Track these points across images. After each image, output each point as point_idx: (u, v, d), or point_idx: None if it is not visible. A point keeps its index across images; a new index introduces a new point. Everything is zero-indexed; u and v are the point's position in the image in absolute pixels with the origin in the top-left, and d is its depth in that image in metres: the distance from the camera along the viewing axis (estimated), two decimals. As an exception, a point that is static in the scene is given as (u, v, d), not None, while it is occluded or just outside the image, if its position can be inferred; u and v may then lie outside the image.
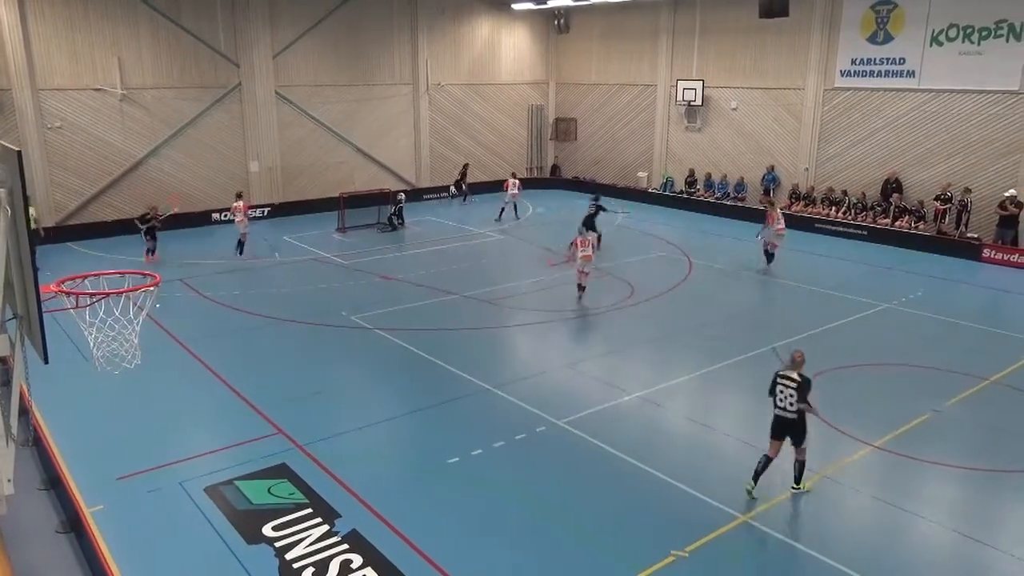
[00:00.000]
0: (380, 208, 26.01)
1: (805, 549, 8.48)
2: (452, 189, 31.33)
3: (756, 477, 9.52)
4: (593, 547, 8.57)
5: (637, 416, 11.92)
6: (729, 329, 15.83)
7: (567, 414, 11.74)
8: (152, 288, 8.09)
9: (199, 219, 25.96)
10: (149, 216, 21.19)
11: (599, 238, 21.14)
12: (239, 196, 22.37)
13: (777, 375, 9.54)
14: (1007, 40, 21.08)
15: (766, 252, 20.45)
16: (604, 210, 22.99)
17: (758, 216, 26.16)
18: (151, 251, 21.03)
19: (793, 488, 9.64)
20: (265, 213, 27.26)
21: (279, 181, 27.89)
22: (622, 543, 8.60)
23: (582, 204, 29.68)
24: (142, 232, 21.11)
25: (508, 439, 11.00)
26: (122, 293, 8.05)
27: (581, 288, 17.56)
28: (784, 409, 9.37)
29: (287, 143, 27.94)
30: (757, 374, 13.44)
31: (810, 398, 9.33)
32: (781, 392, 9.40)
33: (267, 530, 8.82)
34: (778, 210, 20.54)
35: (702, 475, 10.04)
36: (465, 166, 31.44)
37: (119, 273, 8.63)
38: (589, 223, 20.99)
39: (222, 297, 17.81)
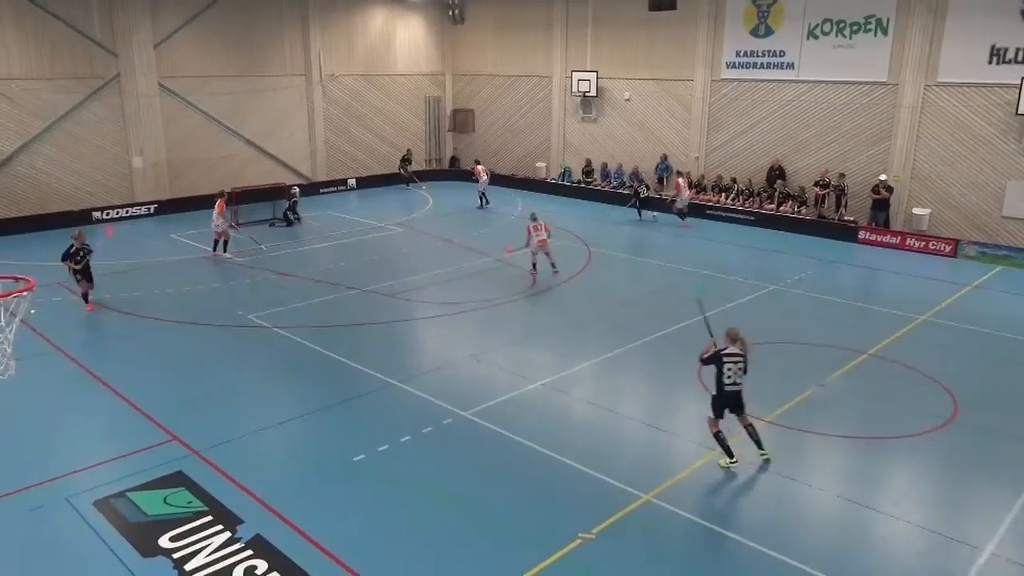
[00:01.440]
0: (275, 203, 25.26)
1: (706, 523, 8.84)
2: (402, 172, 31.83)
3: (730, 454, 9.98)
4: (502, 536, 8.64)
5: (542, 404, 12.08)
6: (629, 315, 16.25)
7: (473, 405, 11.77)
8: (26, 293, 7.59)
9: (78, 218, 24.44)
10: (76, 248, 15.98)
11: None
12: (222, 195, 21.47)
13: (722, 354, 9.91)
14: (875, 35, 22.45)
15: (681, 214, 24.44)
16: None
17: (653, 204, 27.02)
18: (86, 296, 16.30)
19: (761, 455, 10.06)
20: (151, 211, 25.99)
21: (166, 177, 26.62)
22: (530, 529, 8.72)
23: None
24: (74, 274, 16.18)
25: (415, 433, 10.93)
26: (-8, 299, 7.51)
27: (535, 267, 18.76)
28: (734, 383, 9.87)
29: (173, 137, 26.68)
30: (657, 358, 13.92)
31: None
32: (730, 369, 9.83)
33: (164, 542, 8.44)
34: (681, 179, 24.59)
35: (607, 458, 10.29)
36: (408, 151, 31.90)
37: (-12, 278, 8.06)
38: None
39: (106, 300, 16.87)
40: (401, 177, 31.84)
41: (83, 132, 24.80)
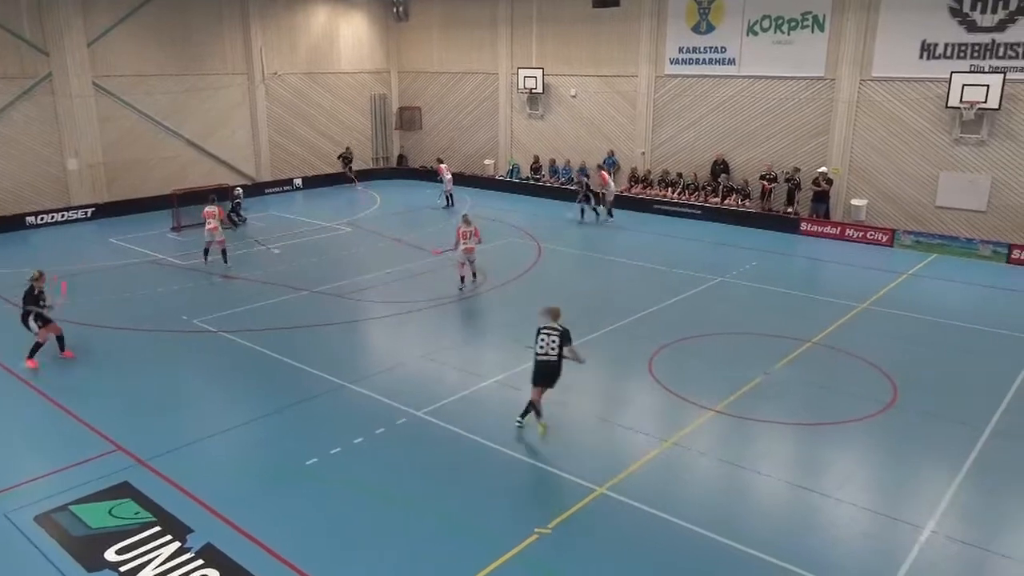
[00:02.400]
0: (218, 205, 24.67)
1: (660, 514, 8.96)
2: (347, 172, 31.64)
3: (523, 415, 10.88)
4: (458, 534, 8.63)
5: (495, 401, 12.09)
6: (579, 309, 16.30)
7: (426, 404, 11.72)
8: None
9: (10, 223, 23.58)
10: (39, 291, 13.54)
11: None
12: (212, 201, 19.84)
13: (539, 329, 10.69)
14: (812, 31, 23.03)
15: (608, 210, 24.71)
16: None
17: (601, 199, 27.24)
18: (62, 341, 13.89)
19: (517, 421, 10.90)
20: (88, 214, 25.20)
21: (103, 179, 25.83)
22: (487, 527, 8.73)
23: (430, 194, 29.75)
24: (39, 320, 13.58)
25: (367, 435, 10.84)
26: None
27: (462, 280, 17.49)
28: (547, 354, 10.54)
29: (110, 138, 25.91)
30: (608, 351, 14.04)
31: (575, 347, 10.68)
32: (543, 341, 10.57)
33: (110, 555, 8.21)
34: (604, 172, 25.09)
35: (561, 453, 10.35)
36: (347, 149, 31.61)
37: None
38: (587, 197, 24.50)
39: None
40: (347, 177, 31.70)
41: (13, 133, 23.91)
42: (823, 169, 23.05)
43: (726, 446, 10.62)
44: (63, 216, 24.68)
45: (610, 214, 24.94)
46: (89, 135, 25.30)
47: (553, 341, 10.49)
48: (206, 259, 19.61)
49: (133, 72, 26.17)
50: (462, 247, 17.08)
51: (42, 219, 24.27)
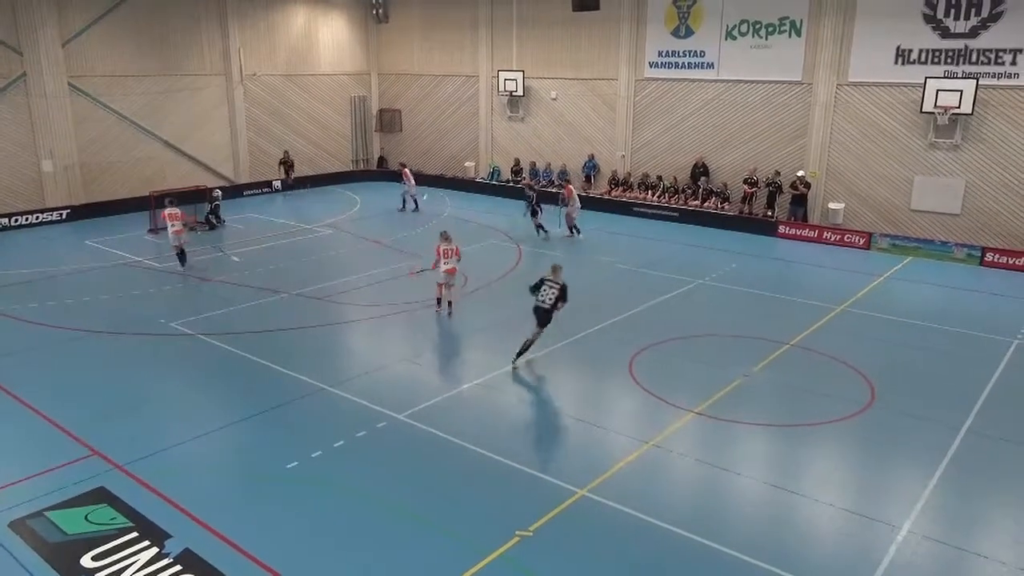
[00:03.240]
0: (196, 206, 24.46)
1: (640, 515, 8.99)
2: (283, 181, 30.39)
3: (518, 355, 13.05)
4: (440, 537, 8.61)
5: (476, 403, 12.08)
6: (559, 312, 16.36)
7: (407, 407, 11.68)
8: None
9: (-17, 225, 23.26)
10: None
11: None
12: (171, 203, 19.39)
13: (543, 279, 13.15)
14: (790, 36, 23.27)
15: (571, 227, 23.05)
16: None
17: (581, 202, 27.28)
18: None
19: (514, 362, 13.01)
20: (64, 216, 24.86)
21: (79, 180, 25.50)
22: (468, 530, 8.71)
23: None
24: None
25: (348, 438, 10.78)
26: None
27: (439, 303, 15.96)
28: (544, 302, 13.00)
29: (86, 139, 25.59)
30: (589, 353, 14.09)
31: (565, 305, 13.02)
32: (545, 291, 13.01)
33: (86, 561, 8.10)
34: (571, 185, 23.62)
35: (542, 455, 10.38)
36: (285, 153, 30.53)
37: None
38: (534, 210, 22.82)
39: (16, 311, 16.05)
40: (287, 183, 30.52)
41: (-14, 134, 23.56)
42: (801, 173, 23.29)
43: (706, 448, 10.68)
44: (38, 218, 24.33)
45: (576, 231, 23.04)
46: (64, 136, 24.97)
47: (553, 293, 12.94)
48: (183, 263, 19.35)
49: (109, 72, 25.87)
50: (443, 267, 15.54)
51: (16, 221, 23.92)
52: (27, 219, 24.15)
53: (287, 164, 30.52)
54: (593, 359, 13.91)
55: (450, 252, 15.55)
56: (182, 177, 27.57)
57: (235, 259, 20.34)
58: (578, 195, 23.71)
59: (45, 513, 8.93)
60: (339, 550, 8.38)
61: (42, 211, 24.52)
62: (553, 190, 28.46)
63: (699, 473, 10.10)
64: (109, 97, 25.95)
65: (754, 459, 10.53)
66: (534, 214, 23.04)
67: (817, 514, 9.17)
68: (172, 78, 27.54)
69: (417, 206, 26.90)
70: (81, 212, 25.16)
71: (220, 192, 25.06)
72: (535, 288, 13.15)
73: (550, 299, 12.92)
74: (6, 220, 23.73)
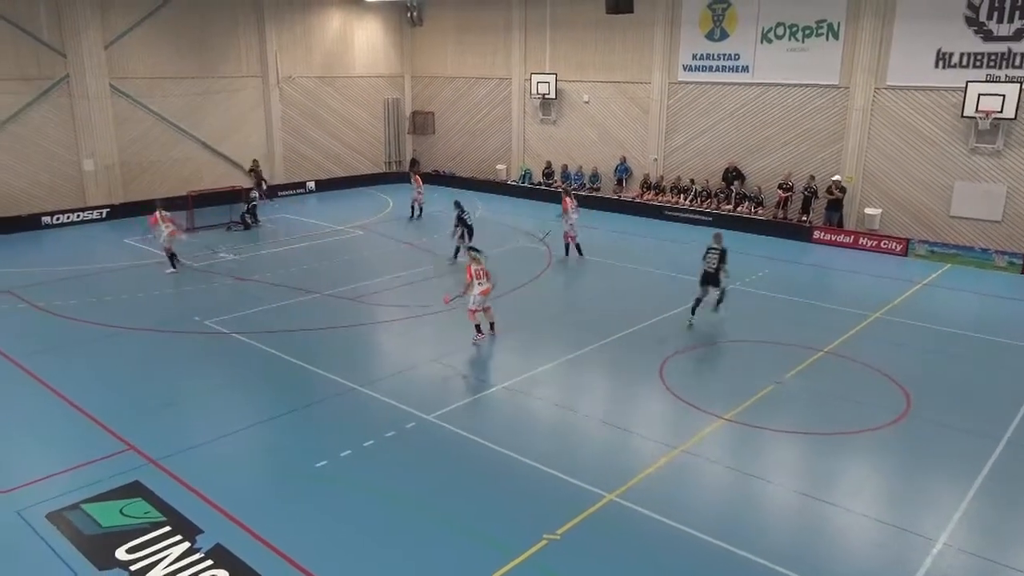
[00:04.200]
0: (232, 207, 24.85)
1: (669, 522, 8.91)
2: (254, 194, 26.04)
3: (692, 312, 15.37)
4: (467, 538, 8.62)
5: (504, 405, 12.09)
6: (589, 316, 16.35)
7: (436, 408, 11.72)
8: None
9: (26, 223, 23.80)
10: None
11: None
12: (161, 206, 19.44)
13: (708, 247, 15.36)
14: (827, 38, 22.95)
15: (567, 244, 20.44)
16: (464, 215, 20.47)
17: (613, 205, 27.28)
18: None
19: (715, 310, 15.44)
20: (104, 215, 25.39)
21: (118, 180, 26.04)
22: (496, 532, 8.71)
23: (441, 199, 29.76)
24: None
25: (378, 437, 10.85)
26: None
27: (479, 330, 14.47)
28: (709, 266, 15.23)
29: (126, 139, 26.13)
30: (619, 358, 14.02)
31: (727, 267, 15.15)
32: (709, 256, 15.25)
33: (120, 553, 8.25)
34: (569, 197, 20.51)
35: (570, 459, 10.33)
36: (255, 162, 28.56)
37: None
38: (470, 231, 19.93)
39: (57, 307, 16.43)
40: (258, 191, 26.71)
41: (31, 135, 24.15)
42: (836, 177, 22.95)
43: (736, 455, 10.57)
44: (79, 216, 24.88)
45: (579, 251, 20.61)
46: (105, 136, 25.52)
47: (715, 257, 15.16)
48: (175, 264, 19.18)
49: (149, 74, 26.39)
50: (477, 289, 14.24)
51: (58, 219, 24.49)
52: (68, 217, 24.71)
53: (257, 173, 27.99)
54: (623, 363, 13.83)
55: (481, 273, 14.23)
56: (218, 178, 28.01)
57: (229, 256, 20.43)
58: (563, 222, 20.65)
59: (82, 506, 9.12)
60: (367, 549, 8.43)
61: (83, 209, 25.07)
62: (584, 193, 28.48)
63: (729, 480, 9.99)
64: (149, 98, 26.46)
65: (785, 467, 10.39)
66: (463, 237, 20.02)
67: (850, 524, 9.01)
68: (210, 80, 28.00)
69: (421, 213, 25.74)
70: (120, 211, 25.67)
71: (257, 194, 25.36)
72: (704, 258, 15.52)
73: (713, 263, 15.19)
74: (48, 218, 24.31)
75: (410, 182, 26.75)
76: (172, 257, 19.30)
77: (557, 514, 8.98)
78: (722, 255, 15.18)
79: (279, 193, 29.88)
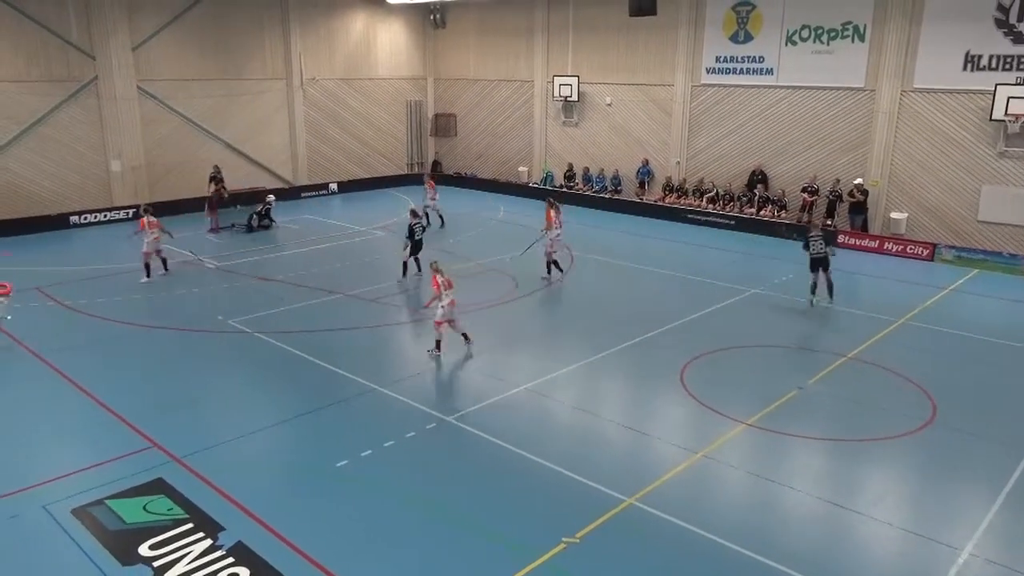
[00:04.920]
0: (253, 208, 24.98)
1: (689, 526, 8.85)
2: (270, 197, 25.26)
3: (812, 292, 16.83)
4: (486, 540, 8.62)
5: (525, 408, 12.07)
6: (610, 319, 16.28)
7: (456, 410, 11.74)
8: (2, 298, 7.49)
9: (55, 223, 24.18)
10: None
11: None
12: (147, 211, 18.97)
13: (808, 236, 16.82)
14: (853, 41, 22.72)
15: (549, 264, 18.67)
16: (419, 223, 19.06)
17: (635, 208, 27.20)
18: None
19: (828, 302, 16.73)
20: (130, 215, 25.69)
21: (144, 180, 26.36)
22: (514, 534, 8.70)
23: (463, 201, 29.88)
24: None
25: (398, 438, 10.88)
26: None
27: (439, 345, 13.83)
28: (818, 251, 16.57)
29: (152, 140, 26.44)
30: (640, 361, 13.96)
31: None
32: (815, 244, 16.57)
33: (143, 550, 8.34)
34: (554, 210, 18.74)
35: (590, 462, 10.29)
36: (216, 168, 25.39)
37: (-37, 283, 7.93)
38: (417, 246, 18.38)
39: (84, 305, 16.66)
40: (221, 200, 24.94)
41: (60, 135, 24.52)
42: (858, 180, 22.69)
43: (758, 460, 10.47)
44: (105, 216, 25.21)
45: (558, 268, 18.89)
46: (132, 137, 25.85)
47: (821, 242, 16.60)
48: (150, 273, 18.46)
49: (176, 76, 26.70)
50: (446, 300, 13.67)
51: (85, 219, 24.84)
52: (95, 217, 25.05)
53: (218, 180, 25.22)
54: (644, 367, 13.77)
55: (448, 283, 13.73)
56: (242, 179, 28.21)
57: (209, 266, 19.71)
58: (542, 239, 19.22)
59: (106, 501, 9.22)
60: (386, 549, 8.45)
61: (109, 209, 25.39)
62: (607, 196, 28.41)
63: (750, 486, 9.90)
64: (175, 100, 26.77)
65: (808, 473, 10.28)
66: (416, 248, 18.68)
67: (873, 532, 8.89)
68: (235, 82, 28.27)
69: (443, 222, 24.80)
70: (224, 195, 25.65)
71: (273, 197, 25.20)
72: (806, 246, 16.70)
73: (821, 247, 16.53)
74: (76, 217, 24.67)
75: (423, 187, 25.11)
76: (148, 267, 18.44)
77: (576, 517, 8.94)
78: (825, 238, 16.88)
79: (302, 194, 30.10)
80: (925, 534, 8.79)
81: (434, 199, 24.62)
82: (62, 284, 18.19)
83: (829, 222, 23.38)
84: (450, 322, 13.89)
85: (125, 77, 25.33)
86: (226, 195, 25.08)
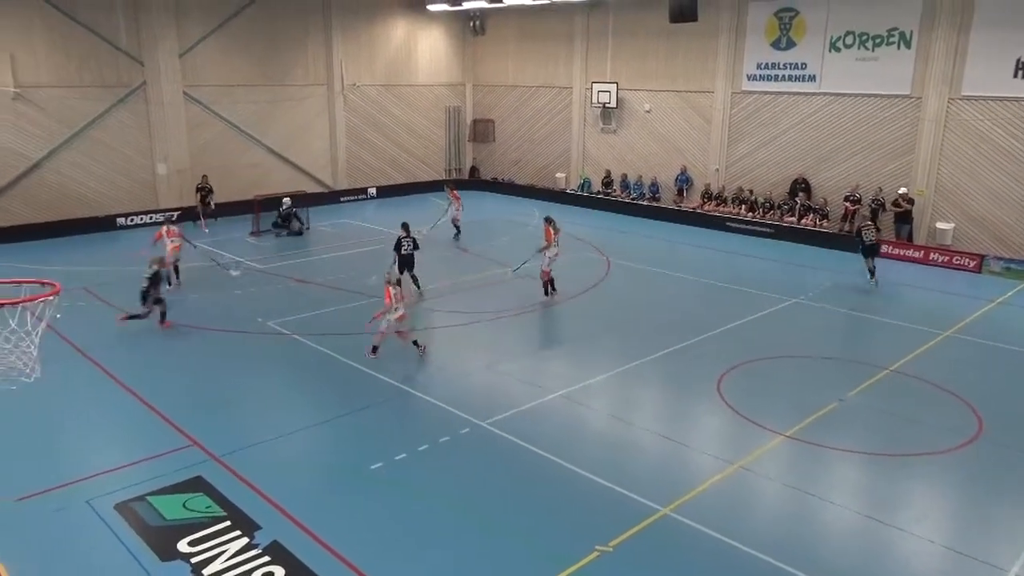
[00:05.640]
0: (296, 211, 25.37)
1: (724, 538, 8.74)
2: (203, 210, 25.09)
3: (871, 275, 18.85)
4: (518, 547, 8.60)
5: (559, 415, 12.04)
6: (647, 327, 16.18)
7: (490, 415, 11.75)
8: (52, 297, 7.71)
9: (103, 224, 24.81)
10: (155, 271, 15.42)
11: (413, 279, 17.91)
12: (171, 220, 19.24)
13: (861, 227, 19.16)
14: (899, 47, 22.30)
15: (546, 284, 17.67)
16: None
17: (673, 216, 27.02)
18: (163, 317, 15.70)
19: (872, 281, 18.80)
20: (174, 217, 26.17)
21: (189, 184, 26.89)
22: (547, 541, 8.68)
23: (500, 206, 29.99)
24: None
25: (432, 442, 10.93)
26: (18, 303, 7.63)
27: (375, 350, 13.79)
28: (871, 239, 18.78)
29: (197, 145, 27.00)
30: (674, 369, 13.84)
31: None
32: (868, 233, 18.80)
33: (182, 546, 8.50)
34: (551, 225, 17.79)
35: (625, 470, 10.23)
36: (204, 178, 25.71)
37: (14, 282, 8.18)
38: (408, 261, 17.71)
39: (129, 305, 17.02)
40: (207, 212, 25.39)
41: (109, 139, 25.16)
42: (903, 189, 22.24)
43: (796, 473, 10.30)
44: (151, 218, 25.76)
45: (552, 288, 17.82)
46: (178, 142, 26.43)
47: (872, 231, 18.95)
48: (175, 281, 18.29)
49: (221, 82, 27.23)
50: (395, 314, 13.58)
51: (131, 220, 25.44)
52: (141, 219, 25.63)
53: (205, 190, 25.53)
54: (681, 376, 13.65)
55: (400, 297, 13.72)
56: (283, 183, 28.65)
57: (235, 274, 19.69)
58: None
59: (147, 498, 9.42)
60: (418, 551, 8.50)
61: (155, 212, 25.97)
62: (644, 203, 28.26)
63: (788, 498, 9.75)
64: (219, 105, 27.30)
65: (847, 487, 10.09)
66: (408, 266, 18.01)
67: (914, 550, 8.69)
68: (278, 88, 28.74)
69: (459, 232, 23.99)
70: (190, 214, 26.43)
71: (289, 200, 24.99)
72: (858, 233, 19.22)
73: (873, 235, 18.88)
74: (123, 219, 25.28)
75: (446, 197, 24.15)
76: (175, 271, 18.45)
77: (610, 526, 8.89)
78: (877, 228, 19.47)
79: (341, 199, 30.45)
80: (969, 553, 8.56)
81: (458, 210, 23.84)
82: (108, 284, 18.64)
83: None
84: (399, 332, 13.81)
85: (172, 82, 25.91)
86: (212, 206, 24.92)
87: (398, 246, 17.88)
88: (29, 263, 20.08)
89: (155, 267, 15.51)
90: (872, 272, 18.82)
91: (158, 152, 26.17)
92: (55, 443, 10.88)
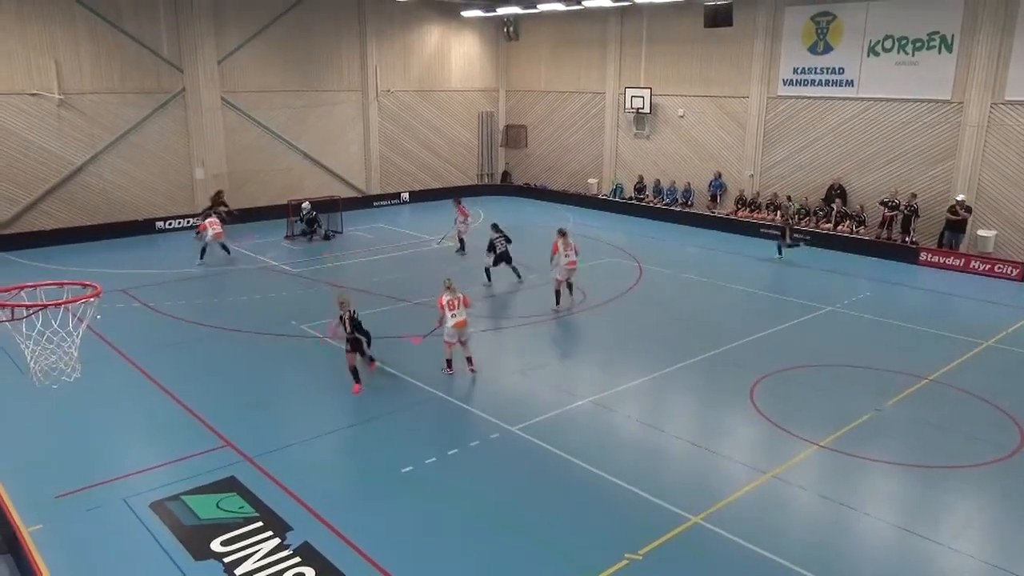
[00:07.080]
0: (330, 216, 25.66)
1: (756, 548, 8.62)
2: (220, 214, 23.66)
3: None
4: (547, 552, 8.58)
5: (589, 421, 11.99)
6: (679, 333, 16.05)
7: (520, 420, 11.74)
8: (92, 299, 7.87)
9: (142, 227, 25.33)
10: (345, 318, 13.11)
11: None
12: (215, 213, 22.96)
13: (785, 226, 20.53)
14: (939, 51, 21.89)
15: (559, 292, 17.23)
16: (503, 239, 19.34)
17: (706, 222, 26.79)
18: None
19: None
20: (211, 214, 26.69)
21: (226, 188, 27.29)
22: (576, 547, 8.63)
23: (533, 211, 29.98)
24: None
25: (462, 447, 10.95)
26: (60, 305, 7.80)
27: (450, 364, 13.52)
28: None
29: (234, 149, 27.45)
30: (708, 377, 13.70)
31: None
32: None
33: (215, 545, 8.61)
34: (568, 239, 17.23)
35: (655, 478, 10.15)
36: (219, 193, 25.54)
37: (57, 284, 8.37)
38: (504, 256, 19.05)
39: (167, 307, 17.37)
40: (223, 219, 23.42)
41: (149, 144, 25.68)
42: (961, 196, 21.60)
43: (830, 483, 10.13)
44: (189, 222, 26.20)
45: (558, 297, 17.37)
46: (216, 147, 26.90)
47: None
48: (228, 251, 21.85)
49: (258, 88, 27.66)
50: (451, 321, 13.22)
51: (170, 224, 25.92)
52: (179, 223, 26.11)
53: (218, 204, 25.05)
54: (713, 384, 13.51)
55: (456, 303, 13.16)
56: (318, 187, 28.99)
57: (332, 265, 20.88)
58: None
59: (182, 497, 9.57)
60: (446, 555, 8.51)
61: (193, 215, 26.39)
62: (677, 209, 28.06)
63: (822, 509, 9.58)
64: (256, 111, 27.73)
65: (883, 499, 9.89)
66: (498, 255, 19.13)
67: (953, 565, 8.48)
68: (313, 94, 29.10)
69: (463, 247, 23.16)
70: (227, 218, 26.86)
71: (309, 204, 25.11)
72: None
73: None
74: (161, 223, 25.78)
75: (462, 219, 23.27)
76: (224, 247, 21.86)
77: (640, 534, 8.82)
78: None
79: (374, 203, 30.71)
80: (1010, 569, 8.33)
81: (464, 223, 23.27)
82: (147, 287, 19.01)
83: (906, 238, 22.51)
84: (461, 343, 13.48)
85: (211, 89, 26.38)
86: (226, 217, 24.56)
87: (491, 247, 19.41)
88: (71, 265, 20.54)
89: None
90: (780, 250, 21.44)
91: (196, 157, 26.65)
92: (93, 442, 11.11)
